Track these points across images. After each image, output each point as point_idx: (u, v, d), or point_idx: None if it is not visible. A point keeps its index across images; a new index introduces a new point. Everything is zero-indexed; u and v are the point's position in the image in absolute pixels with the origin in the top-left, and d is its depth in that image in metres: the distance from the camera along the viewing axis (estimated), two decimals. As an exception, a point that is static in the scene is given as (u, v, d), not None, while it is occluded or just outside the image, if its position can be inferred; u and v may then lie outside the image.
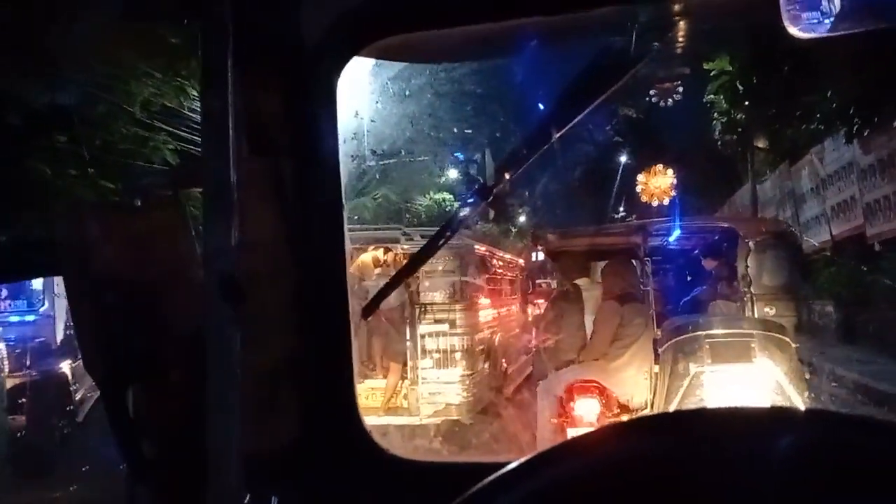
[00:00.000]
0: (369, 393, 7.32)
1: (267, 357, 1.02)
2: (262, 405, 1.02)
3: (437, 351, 7.21)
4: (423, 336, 7.22)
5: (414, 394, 7.22)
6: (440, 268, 7.14)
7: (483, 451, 6.58)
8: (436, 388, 7.17)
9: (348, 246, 1.13)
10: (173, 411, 1.03)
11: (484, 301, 8.22)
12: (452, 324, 7.24)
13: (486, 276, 8.54)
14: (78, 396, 8.62)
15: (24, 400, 7.51)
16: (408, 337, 7.28)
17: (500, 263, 9.89)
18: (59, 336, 8.89)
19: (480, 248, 8.63)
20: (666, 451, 0.62)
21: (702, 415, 0.85)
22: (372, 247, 7.59)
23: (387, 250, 7.55)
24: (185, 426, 1.01)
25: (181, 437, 1.03)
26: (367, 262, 7.37)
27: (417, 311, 7.20)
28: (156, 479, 1.06)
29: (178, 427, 1.03)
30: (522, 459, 0.64)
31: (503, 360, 8.58)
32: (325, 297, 1.09)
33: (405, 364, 7.33)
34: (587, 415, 4.55)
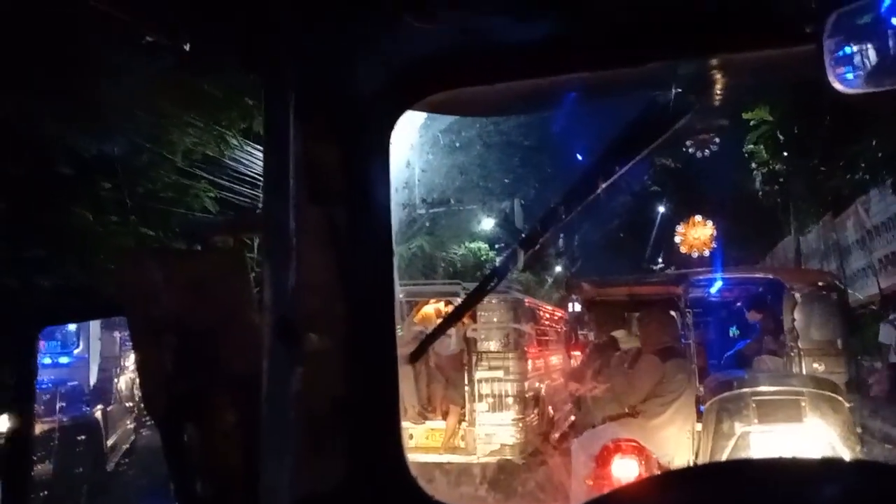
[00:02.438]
0: (430, 433, 7.94)
1: (318, 400, 1.04)
2: (311, 447, 1.04)
3: (492, 395, 7.88)
4: (479, 381, 7.91)
5: (471, 434, 7.86)
6: (495, 319, 7.91)
7: (532, 489, 6.88)
8: (491, 430, 7.78)
9: (398, 292, 1.16)
10: (227, 452, 1.06)
11: (533, 350, 8.85)
12: (506, 370, 7.88)
13: (535, 326, 9.26)
14: (110, 443, 8.32)
15: (53, 445, 7.00)
16: (466, 382, 7.99)
17: (547, 315, 10.62)
18: (93, 379, 8.50)
19: (529, 301, 9.47)
20: (710, 501, 0.62)
21: (746, 466, 0.83)
22: (434, 300, 8.46)
23: (447, 303, 8.32)
24: (239, 467, 1.04)
25: (234, 478, 1.05)
26: (430, 313, 8.22)
27: (474, 358, 7.93)
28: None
29: (231, 468, 1.06)
30: None
31: (550, 407, 9.18)
32: (375, 341, 1.11)
33: (463, 407, 8.01)
34: (625, 476, 4.35)
